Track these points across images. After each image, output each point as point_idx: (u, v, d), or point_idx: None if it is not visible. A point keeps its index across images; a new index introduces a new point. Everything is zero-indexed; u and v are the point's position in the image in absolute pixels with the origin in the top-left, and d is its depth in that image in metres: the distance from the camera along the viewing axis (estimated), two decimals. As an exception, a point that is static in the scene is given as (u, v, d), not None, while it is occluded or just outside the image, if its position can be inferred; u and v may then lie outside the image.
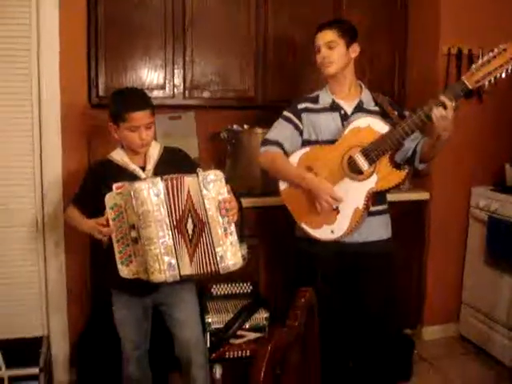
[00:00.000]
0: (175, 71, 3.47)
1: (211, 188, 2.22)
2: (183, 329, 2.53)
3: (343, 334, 2.87)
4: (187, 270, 2.22)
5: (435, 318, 3.87)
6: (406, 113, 2.61)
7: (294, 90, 3.52)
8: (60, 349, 3.20)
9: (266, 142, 2.70)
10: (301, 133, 2.67)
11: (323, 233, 2.58)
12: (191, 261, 2.23)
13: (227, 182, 2.29)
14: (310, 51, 2.70)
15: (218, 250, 2.22)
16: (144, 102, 2.37)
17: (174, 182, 2.21)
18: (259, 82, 3.63)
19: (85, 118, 3.17)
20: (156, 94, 3.42)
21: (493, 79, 2.36)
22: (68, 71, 3.06)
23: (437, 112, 2.34)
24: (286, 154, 2.65)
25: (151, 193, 2.17)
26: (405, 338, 3.47)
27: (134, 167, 2.39)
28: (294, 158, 2.62)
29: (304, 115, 2.67)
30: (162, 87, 3.46)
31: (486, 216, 3.54)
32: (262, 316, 3.13)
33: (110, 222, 2.26)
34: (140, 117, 2.32)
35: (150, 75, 3.45)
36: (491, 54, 2.36)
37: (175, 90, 3.48)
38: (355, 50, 2.64)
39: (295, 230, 2.74)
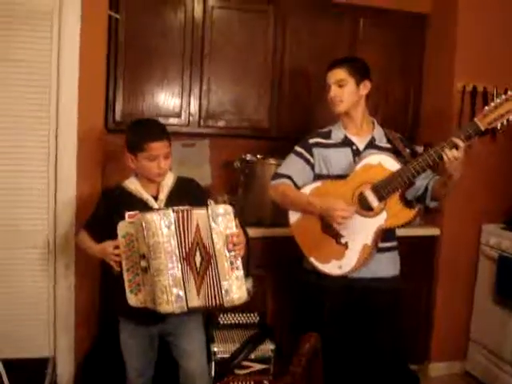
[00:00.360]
0: (191, 99, 3.53)
1: (220, 222, 2.24)
2: (189, 359, 2.54)
3: (350, 369, 2.86)
4: (195, 302, 2.24)
5: (442, 354, 3.84)
6: (418, 149, 2.64)
7: (308, 122, 3.57)
8: (65, 370, 3.21)
9: (276, 176, 2.73)
10: (312, 167, 2.70)
11: (331, 268, 2.59)
12: (198, 293, 2.24)
13: (237, 215, 2.31)
14: (324, 84, 2.72)
15: (223, 283, 2.24)
16: (162, 133, 2.43)
17: (185, 214, 2.24)
18: (274, 113, 3.67)
19: (101, 143, 3.21)
20: (171, 121, 3.47)
21: (505, 121, 2.38)
22: (86, 96, 3.09)
23: (449, 153, 2.36)
24: (297, 187, 2.67)
25: (162, 224, 2.19)
26: (410, 374, 3.45)
27: (147, 196, 2.42)
28: (305, 192, 2.64)
29: (315, 150, 2.69)
30: (178, 115, 3.51)
31: (497, 254, 3.53)
32: (267, 347, 3.12)
33: (121, 250, 2.29)
34: (159, 147, 2.37)
35: (166, 102, 3.50)
36: (504, 97, 2.38)
37: (191, 118, 3.53)
38: (366, 86, 2.66)
39: (304, 263, 2.75)
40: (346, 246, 2.55)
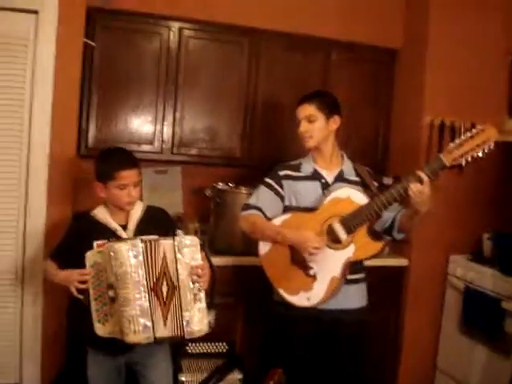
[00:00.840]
0: (165, 127, 3.56)
1: (185, 253, 2.27)
2: None
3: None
4: (161, 332, 2.24)
5: (410, 383, 3.86)
6: (387, 181, 2.68)
7: (280, 151, 3.61)
8: (31, 398, 3.17)
9: (246, 207, 2.75)
10: (282, 199, 2.72)
11: (299, 299, 2.61)
12: (165, 323, 2.25)
13: (204, 247, 2.35)
14: (295, 118, 2.76)
15: (185, 314, 2.26)
16: (132, 161, 2.44)
17: (153, 244, 2.25)
18: (246, 142, 3.72)
19: (72, 169, 3.19)
20: (144, 148, 3.50)
21: (470, 158, 2.43)
22: (59, 121, 3.10)
23: (413, 187, 2.40)
24: (267, 219, 2.69)
25: (130, 254, 2.20)
26: (378, 403, 3.47)
27: (115, 226, 2.42)
28: (275, 223, 2.66)
29: (285, 182, 2.72)
30: (151, 142, 3.54)
31: (463, 285, 3.58)
32: (235, 377, 3.12)
33: (89, 279, 2.27)
34: (129, 175, 2.38)
35: (139, 129, 3.53)
36: (469, 134, 2.43)
37: (163, 146, 3.56)
38: (336, 122, 2.70)
39: (273, 294, 2.76)
40: (314, 277, 2.57)
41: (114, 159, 2.44)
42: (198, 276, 2.28)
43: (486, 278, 3.42)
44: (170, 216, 2.65)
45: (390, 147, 4.03)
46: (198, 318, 2.28)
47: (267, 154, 3.70)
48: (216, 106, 3.65)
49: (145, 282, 2.22)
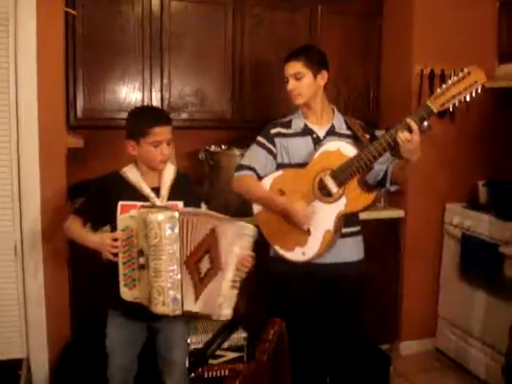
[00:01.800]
0: (153, 93, 3.52)
1: (241, 241, 2.26)
2: (172, 350, 2.53)
3: (320, 352, 2.92)
4: (191, 306, 2.24)
5: (412, 332, 3.92)
6: (378, 134, 2.67)
7: (270, 110, 3.58)
8: (40, 370, 3.19)
9: (239, 168, 2.75)
10: (275, 157, 2.72)
11: (295, 255, 2.63)
12: (197, 298, 2.25)
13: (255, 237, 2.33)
14: (283, 76, 2.73)
15: (219, 297, 2.26)
16: (166, 118, 2.43)
17: (194, 219, 2.22)
18: (236, 104, 3.69)
19: (63, 141, 3.18)
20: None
21: (457, 102, 2.40)
22: (46, 94, 3.06)
23: (402, 136, 2.38)
24: (260, 178, 2.69)
25: (166, 227, 2.17)
26: (381, 353, 3.51)
27: (148, 192, 2.37)
28: (267, 182, 2.67)
29: (277, 140, 2.72)
30: (140, 109, 3.50)
31: (460, 233, 3.61)
32: (240, 336, 3.16)
33: (120, 243, 2.26)
34: (163, 132, 2.36)
35: (128, 97, 3.49)
36: (455, 78, 2.41)
37: (153, 112, 3.52)
38: (324, 77, 2.68)
39: (270, 251, 2.79)
40: (308, 232, 2.59)
41: (147, 115, 2.42)
42: (243, 266, 2.28)
43: (483, 224, 3.45)
44: (193, 185, 2.63)
45: (381, 99, 4.01)
46: (228, 304, 2.29)
47: (258, 113, 3.67)
48: (203, 69, 3.61)
49: (178, 255, 2.20)
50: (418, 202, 3.76)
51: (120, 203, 2.30)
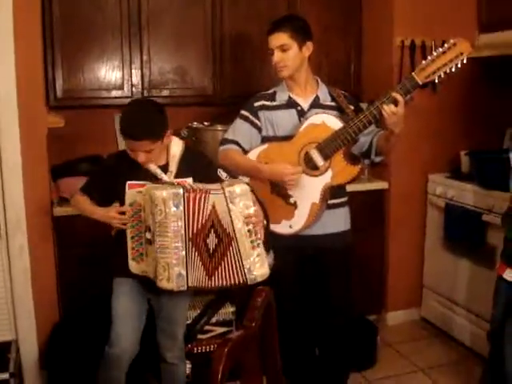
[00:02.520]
0: (133, 71, 3.48)
1: (238, 202, 2.21)
2: (173, 324, 2.59)
3: (308, 323, 2.95)
4: (201, 282, 2.26)
5: (398, 303, 3.98)
6: (364, 106, 2.67)
7: (252, 85, 3.54)
8: (29, 352, 3.19)
9: (224, 142, 2.75)
10: (259, 130, 2.72)
11: (282, 227, 2.65)
12: (211, 274, 2.26)
13: (253, 190, 2.28)
14: (266, 47, 2.71)
15: (245, 262, 2.24)
16: (142, 133, 2.25)
17: (197, 195, 2.21)
18: (217, 79, 3.65)
19: (43, 121, 3.14)
20: (115, 93, 3.44)
21: (442, 74, 2.41)
22: (25, 74, 3.01)
23: (387, 108, 2.39)
24: (245, 152, 2.69)
25: (171, 204, 2.17)
26: (368, 324, 3.56)
27: (155, 169, 2.35)
28: (253, 156, 2.68)
29: (261, 113, 2.71)
30: (121, 87, 3.47)
31: (443, 202, 3.65)
32: (228, 310, 3.15)
33: (127, 218, 2.31)
34: (137, 145, 2.28)
35: (107, 75, 3.45)
36: (440, 50, 2.41)
37: (133, 90, 3.49)
38: (309, 48, 2.65)
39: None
40: (295, 205, 2.60)
41: (124, 123, 2.33)
42: (253, 223, 2.24)
43: (466, 194, 3.49)
44: (211, 164, 2.55)
45: (363, 72, 4.00)
46: (259, 264, 2.26)
47: (239, 89, 3.64)
48: (183, 45, 3.57)
49: (183, 232, 2.20)
50: (401, 173, 3.79)
51: (128, 183, 2.30)
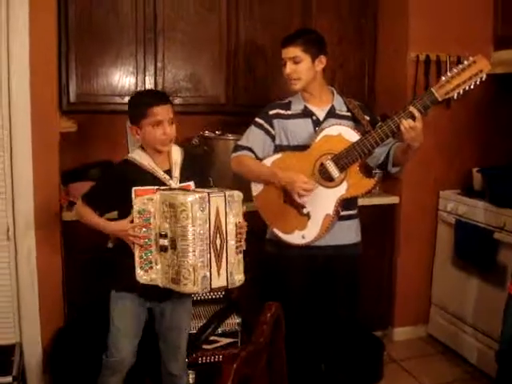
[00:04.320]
0: (146, 78, 3.48)
1: (233, 207, 2.27)
2: (179, 336, 2.58)
3: (315, 338, 2.92)
4: (216, 282, 2.26)
5: (405, 319, 3.93)
6: (378, 118, 2.66)
7: (265, 95, 3.56)
8: (33, 356, 3.17)
9: (237, 148, 2.74)
10: (273, 138, 2.71)
11: (295, 238, 2.63)
12: (219, 274, 2.27)
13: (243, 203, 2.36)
14: (279, 57, 2.72)
15: (229, 265, 2.28)
16: (164, 97, 2.42)
17: (210, 197, 2.23)
18: (230, 88, 3.65)
19: (55, 125, 3.13)
20: (127, 100, 3.41)
21: (461, 91, 2.41)
22: (39, 78, 3.01)
23: (405, 123, 2.39)
24: (258, 159, 2.69)
25: (198, 208, 2.18)
26: (375, 339, 3.53)
27: (163, 174, 2.37)
28: (267, 163, 2.66)
29: (275, 121, 2.70)
30: (134, 93, 3.46)
31: (454, 219, 3.62)
32: (234, 321, 3.15)
33: (137, 227, 2.29)
34: (162, 111, 2.34)
35: (121, 81, 3.45)
36: (460, 67, 2.40)
37: (147, 96, 3.48)
38: (322, 62, 2.66)
39: (267, 234, 2.79)
40: (308, 216, 2.58)
41: (145, 97, 2.45)
42: (241, 229, 2.30)
43: (477, 211, 3.46)
44: (205, 167, 2.68)
45: (376, 85, 3.99)
46: (239, 269, 2.32)
47: (252, 98, 3.65)
48: (197, 53, 3.57)
49: (206, 235, 2.21)
50: (412, 188, 3.76)
51: (134, 189, 2.29)
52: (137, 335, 2.52)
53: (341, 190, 2.55)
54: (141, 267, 2.31)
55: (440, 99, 2.41)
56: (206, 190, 2.26)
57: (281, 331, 1.73)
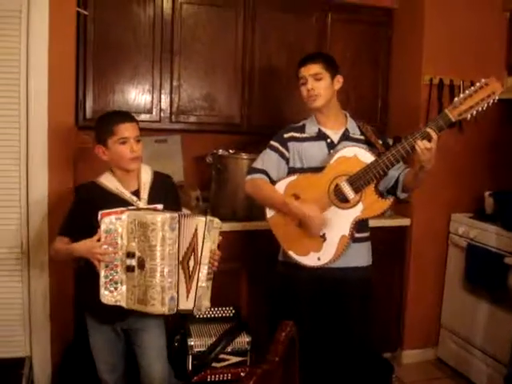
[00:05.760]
0: (162, 96, 3.52)
1: (212, 233, 2.31)
2: (152, 366, 2.52)
3: (324, 359, 2.91)
4: (184, 304, 2.27)
5: (415, 341, 3.92)
6: (390, 141, 2.67)
7: (279, 116, 3.60)
8: (42, 370, 3.18)
9: (252, 171, 2.75)
10: (287, 161, 2.72)
11: (310, 260, 2.63)
12: (187, 296, 2.28)
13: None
14: (294, 78, 2.75)
15: (199, 289, 2.31)
16: (130, 116, 2.45)
17: (187, 219, 2.26)
18: (245, 108, 3.69)
19: (71, 141, 3.17)
20: (143, 117, 3.46)
21: (474, 112, 2.43)
22: (56, 93, 3.06)
23: (421, 144, 2.40)
24: (273, 182, 2.69)
25: (167, 227, 2.18)
26: (384, 362, 3.51)
27: (129, 196, 2.39)
28: (281, 186, 2.67)
29: (290, 144, 2.72)
30: (149, 111, 3.51)
31: (465, 242, 3.61)
32: (243, 340, 3.15)
33: (104, 246, 2.24)
34: (128, 128, 2.37)
35: (137, 99, 3.49)
36: (473, 88, 2.42)
37: (162, 114, 3.53)
38: (339, 81, 2.70)
39: (278, 255, 2.79)
40: (323, 238, 2.59)
41: (111, 116, 2.46)
42: (215, 256, 2.34)
43: (489, 235, 3.45)
44: (175, 185, 2.65)
45: (390, 108, 4.02)
46: (207, 296, 2.36)
47: (266, 119, 3.68)
48: (213, 73, 3.61)
49: (175, 255, 2.22)
50: (424, 211, 3.77)
51: (100, 212, 2.27)
52: (113, 354, 2.55)
53: (356, 212, 2.56)
54: (105, 288, 2.26)
55: (454, 120, 2.43)
56: (179, 212, 2.28)
57: (295, 351, 1.73)
